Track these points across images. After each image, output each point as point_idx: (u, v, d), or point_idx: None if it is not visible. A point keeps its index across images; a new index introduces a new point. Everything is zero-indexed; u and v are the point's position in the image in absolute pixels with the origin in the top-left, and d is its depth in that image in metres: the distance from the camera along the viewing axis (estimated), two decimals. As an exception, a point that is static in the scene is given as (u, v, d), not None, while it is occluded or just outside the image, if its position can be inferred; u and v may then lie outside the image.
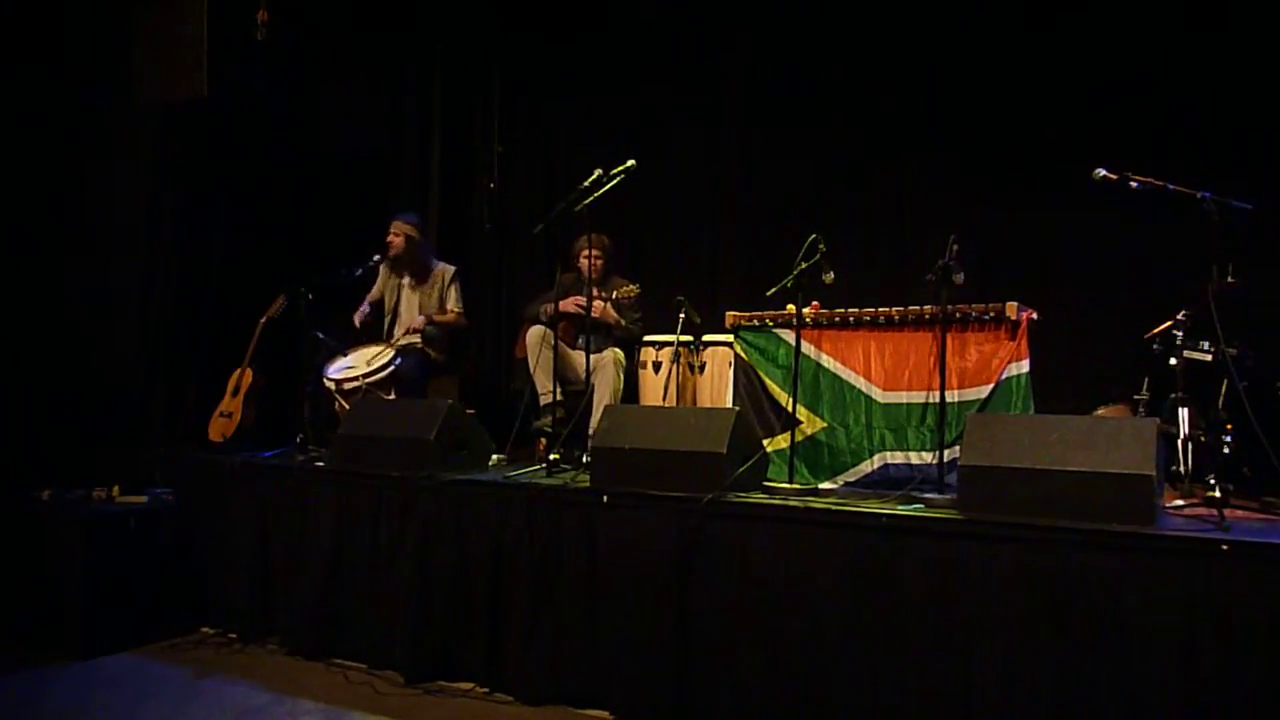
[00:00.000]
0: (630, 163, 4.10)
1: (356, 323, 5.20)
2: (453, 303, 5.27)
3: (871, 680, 2.96)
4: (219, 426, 5.05)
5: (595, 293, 4.64)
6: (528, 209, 5.90)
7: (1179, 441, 3.45)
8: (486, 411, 4.85)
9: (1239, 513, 3.06)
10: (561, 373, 4.69)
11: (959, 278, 3.41)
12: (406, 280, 5.30)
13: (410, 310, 5.27)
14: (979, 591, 2.83)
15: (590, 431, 4.23)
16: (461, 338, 5.43)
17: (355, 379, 4.78)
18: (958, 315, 3.73)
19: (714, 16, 5.54)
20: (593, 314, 4.58)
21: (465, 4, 6.18)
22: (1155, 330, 3.74)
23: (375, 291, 5.37)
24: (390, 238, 5.18)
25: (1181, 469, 3.43)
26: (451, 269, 5.32)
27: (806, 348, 4.03)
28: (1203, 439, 3.50)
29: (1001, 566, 2.82)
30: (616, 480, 3.52)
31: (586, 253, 4.81)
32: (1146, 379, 3.84)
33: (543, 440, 4.54)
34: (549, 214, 4.49)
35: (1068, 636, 2.70)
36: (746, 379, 4.21)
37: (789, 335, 4.05)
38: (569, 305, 4.80)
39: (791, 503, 3.25)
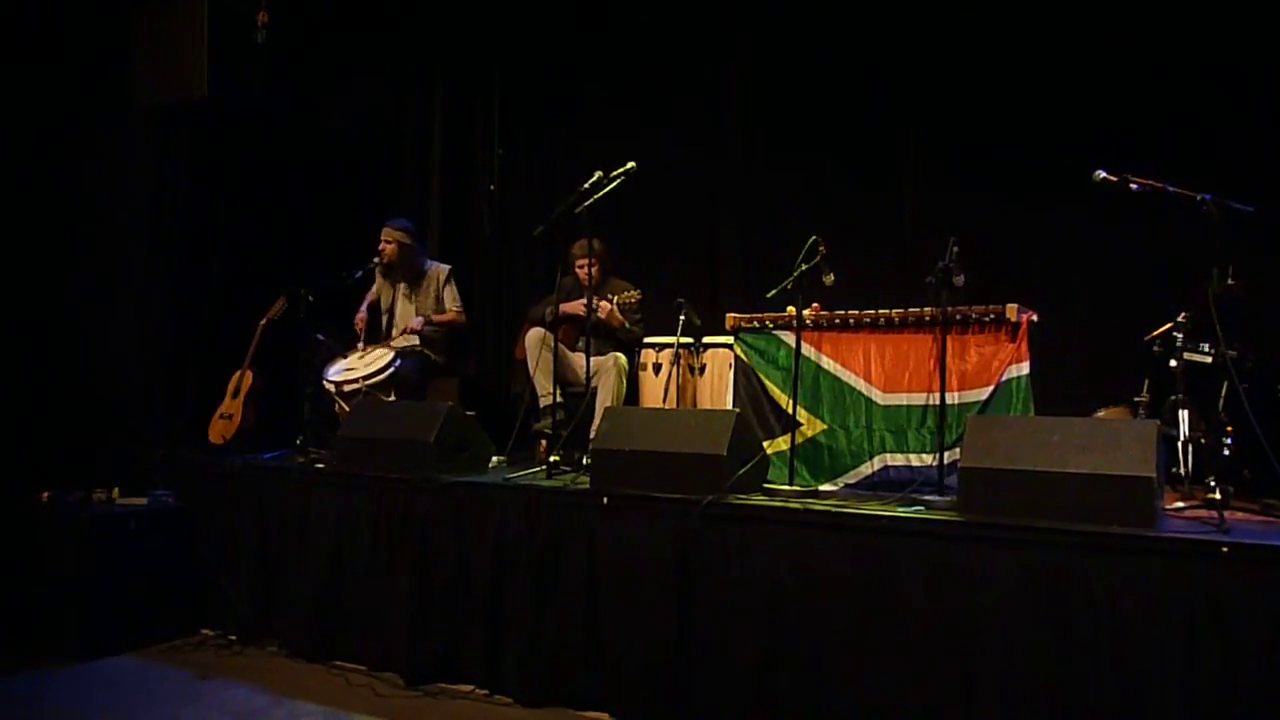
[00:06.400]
0: (630, 164, 4.10)
1: (358, 329, 5.19)
2: (450, 301, 5.27)
3: (872, 682, 2.97)
4: (219, 428, 5.05)
5: (598, 299, 4.64)
6: (528, 211, 5.89)
7: (1179, 443, 3.45)
8: (487, 413, 4.84)
9: (1239, 515, 3.06)
10: (562, 375, 4.69)
11: (959, 280, 3.42)
12: (401, 285, 5.30)
13: (406, 314, 5.26)
14: (979, 593, 2.84)
15: (591, 434, 4.22)
16: (462, 337, 5.43)
17: (355, 381, 4.78)
18: (958, 317, 3.73)
19: (714, 17, 5.53)
20: (599, 315, 4.57)
21: (465, 4, 6.18)
22: (1155, 332, 3.74)
23: (372, 294, 5.36)
24: (381, 244, 5.17)
25: (1182, 471, 3.43)
26: (445, 268, 5.32)
27: (806, 349, 4.03)
28: (1203, 441, 3.50)
29: (1001, 569, 2.82)
30: (616, 482, 3.52)
31: (580, 263, 4.81)
32: (1146, 381, 3.83)
33: (543, 442, 4.54)
34: (549, 216, 4.49)
35: (1068, 638, 2.70)
36: (746, 381, 4.21)
37: (789, 337, 4.05)
38: (573, 307, 4.79)
39: (791, 505, 3.25)
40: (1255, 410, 3.10)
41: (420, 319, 5.15)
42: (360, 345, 5.10)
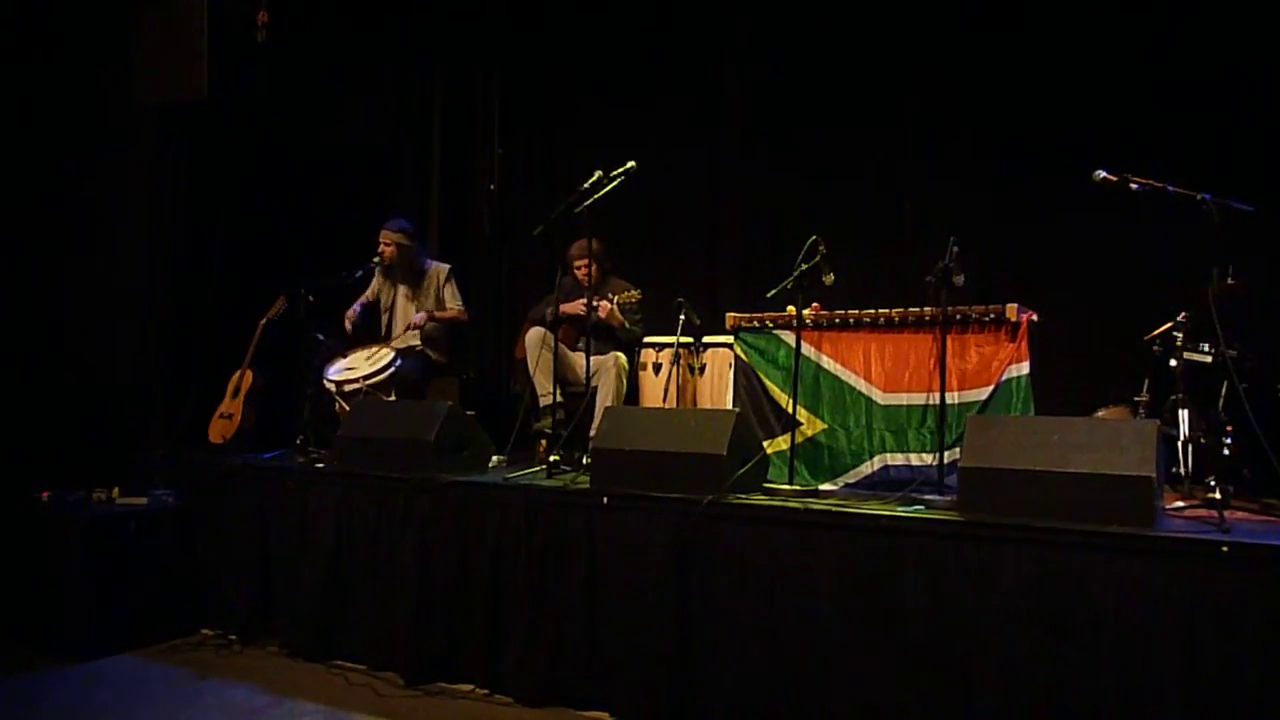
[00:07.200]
0: (630, 164, 4.10)
1: (347, 325, 5.19)
2: (451, 299, 5.27)
3: (871, 681, 2.97)
4: (219, 428, 5.05)
5: (598, 299, 4.64)
6: (528, 211, 5.89)
7: (1179, 443, 3.46)
8: (487, 413, 4.84)
9: (1239, 514, 3.06)
10: (562, 374, 4.69)
11: (959, 279, 3.42)
12: (401, 286, 5.30)
13: (407, 315, 5.26)
14: (979, 593, 2.84)
15: (591, 433, 4.22)
16: (463, 335, 5.42)
17: (355, 380, 4.78)
18: (958, 317, 3.73)
19: (714, 17, 5.53)
20: (600, 314, 4.57)
21: (465, 5, 6.18)
22: (1155, 332, 3.75)
23: (369, 294, 5.36)
24: (381, 247, 5.17)
25: (1182, 471, 3.44)
26: (445, 267, 5.32)
27: (806, 349, 4.03)
28: (1203, 440, 3.50)
29: (1001, 568, 2.82)
30: (616, 482, 3.52)
31: (579, 263, 4.80)
32: (1147, 380, 3.84)
33: (543, 442, 4.53)
34: (549, 216, 4.49)
35: (1068, 638, 2.70)
36: (746, 380, 4.20)
37: (789, 336, 4.05)
38: (574, 307, 4.80)
39: (791, 504, 3.25)
40: (1255, 410, 3.09)
41: (423, 314, 5.15)
42: (348, 332, 5.11)
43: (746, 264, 5.35)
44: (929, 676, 2.88)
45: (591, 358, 4.34)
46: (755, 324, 4.23)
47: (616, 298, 4.74)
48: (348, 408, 4.68)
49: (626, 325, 4.82)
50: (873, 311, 3.96)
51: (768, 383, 4.16)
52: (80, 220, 5.48)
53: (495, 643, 3.67)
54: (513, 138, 6.24)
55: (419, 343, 5.19)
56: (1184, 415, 3.48)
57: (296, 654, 4.11)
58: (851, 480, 3.92)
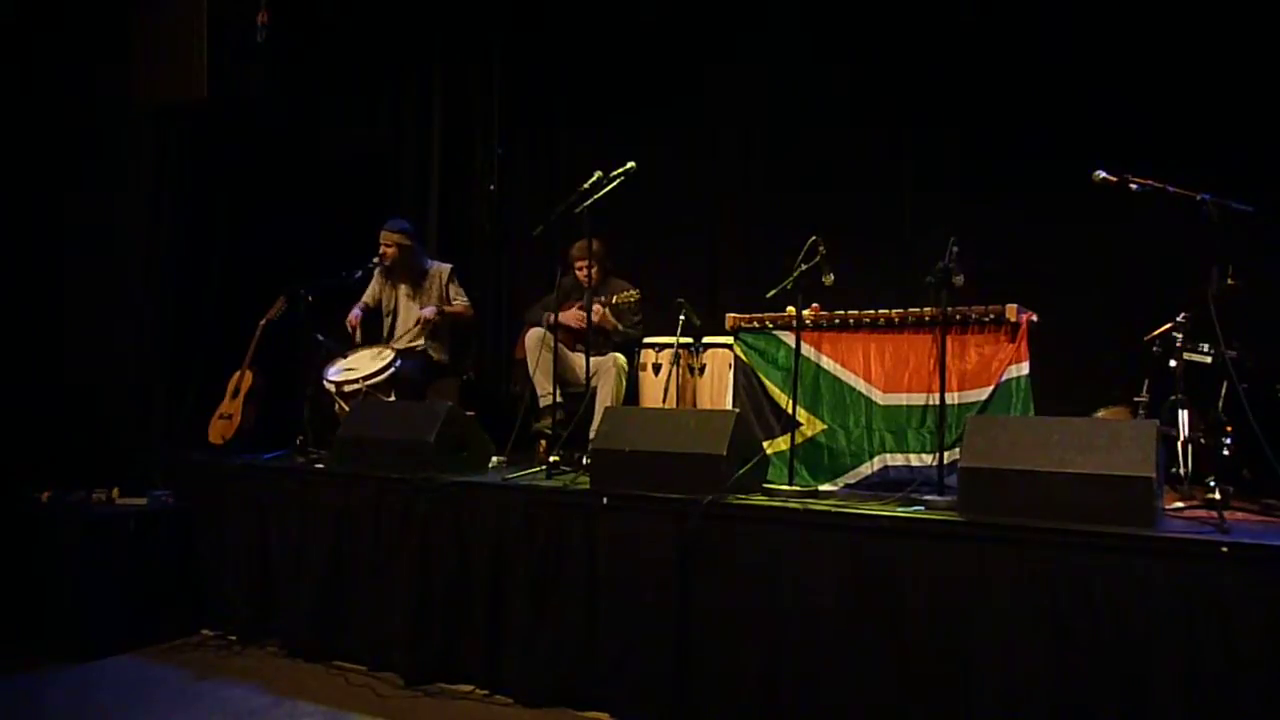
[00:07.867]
0: (630, 164, 4.10)
1: (353, 332, 5.19)
2: (456, 296, 5.28)
3: (871, 682, 2.96)
4: (219, 428, 5.05)
5: (596, 300, 4.64)
6: (528, 211, 5.89)
7: (1179, 443, 3.46)
8: (486, 413, 4.84)
9: (1239, 515, 3.06)
10: (562, 375, 4.69)
11: (959, 280, 3.42)
12: (403, 286, 5.30)
13: (410, 315, 5.26)
14: (978, 594, 2.84)
15: (591, 434, 4.22)
16: (467, 333, 5.43)
17: (355, 381, 4.79)
18: (957, 317, 3.73)
19: (715, 17, 5.53)
20: (593, 319, 4.58)
21: (466, 6, 6.18)
22: (1155, 332, 3.75)
23: (368, 298, 5.35)
24: (382, 248, 5.17)
25: (1181, 471, 3.44)
26: (447, 267, 5.32)
27: (806, 349, 4.03)
28: (1202, 441, 3.50)
29: (1001, 569, 2.82)
30: (616, 482, 3.52)
31: (579, 264, 4.80)
32: (1146, 381, 3.84)
33: (543, 442, 4.54)
34: (549, 216, 4.49)
35: (1067, 639, 2.70)
36: (746, 381, 4.20)
37: (789, 337, 4.05)
38: (569, 318, 4.81)
39: (791, 505, 3.25)
40: (1255, 410, 3.09)
41: (432, 308, 5.14)
42: (356, 342, 5.11)
43: (746, 264, 5.35)
44: (929, 677, 2.88)
45: (591, 358, 4.34)
46: (755, 324, 4.23)
47: (615, 298, 4.74)
48: (347, 408, 4.68)
49: (620, 328, 4.83)
50: (872, 312, 3.96)
51: (767, 383, 4.15)
52: (80, 220, 5.48)
53: (495, 643, 3.67)
54: (513, 138, 6.24)
55: (421, 342, 5.20)
56: (1183, 415, 3.48)
57: (296, 654, 4.10)
58: (851, 481, 3.91)
